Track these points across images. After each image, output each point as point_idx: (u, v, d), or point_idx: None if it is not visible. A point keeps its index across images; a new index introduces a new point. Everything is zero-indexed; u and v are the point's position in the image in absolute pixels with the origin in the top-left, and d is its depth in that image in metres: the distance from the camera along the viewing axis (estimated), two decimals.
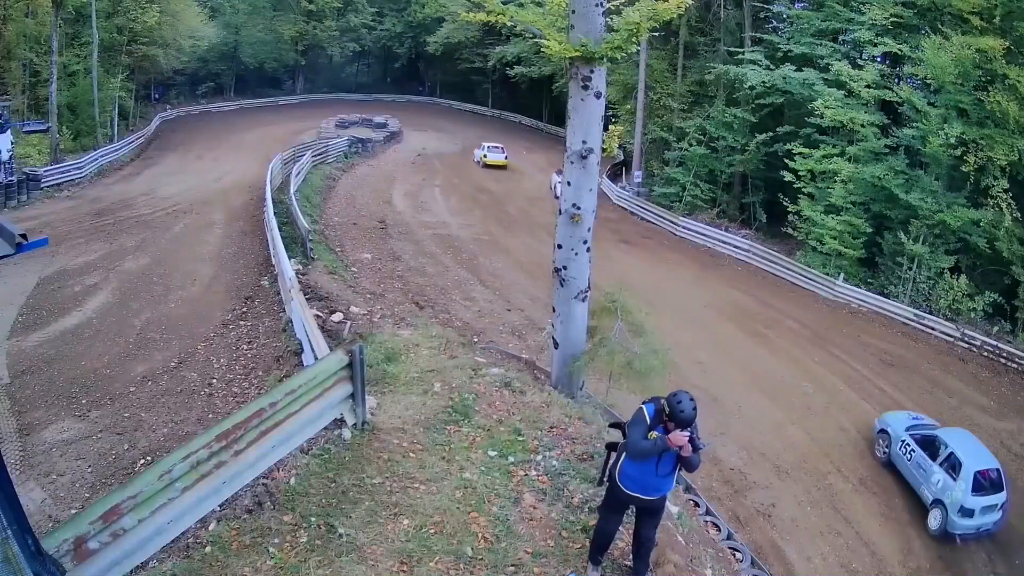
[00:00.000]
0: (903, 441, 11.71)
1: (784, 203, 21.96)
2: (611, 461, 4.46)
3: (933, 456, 11.14)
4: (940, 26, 18.39)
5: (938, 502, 10.72)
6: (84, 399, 9.46)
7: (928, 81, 19.12)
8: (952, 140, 17.50)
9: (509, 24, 8.05)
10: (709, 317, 16.93)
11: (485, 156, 31.84)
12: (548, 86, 42.49)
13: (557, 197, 26.31)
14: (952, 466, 10.79)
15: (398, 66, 57.45)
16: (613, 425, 4.86)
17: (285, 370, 9.58)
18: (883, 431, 12.27)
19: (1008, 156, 16.97)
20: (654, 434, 4.09)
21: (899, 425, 12.04)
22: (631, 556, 4.74)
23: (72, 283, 13.85)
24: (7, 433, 8.47)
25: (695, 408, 4.00)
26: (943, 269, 18.57)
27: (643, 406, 4.22)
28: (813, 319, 18.02)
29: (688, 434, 3.98)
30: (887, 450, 12.05)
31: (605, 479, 4.58)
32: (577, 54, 7.22)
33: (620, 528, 4.81)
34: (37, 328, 11.62)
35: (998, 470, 10.92)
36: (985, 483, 10.61)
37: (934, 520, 10.75)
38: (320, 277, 13.54)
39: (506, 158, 31.82)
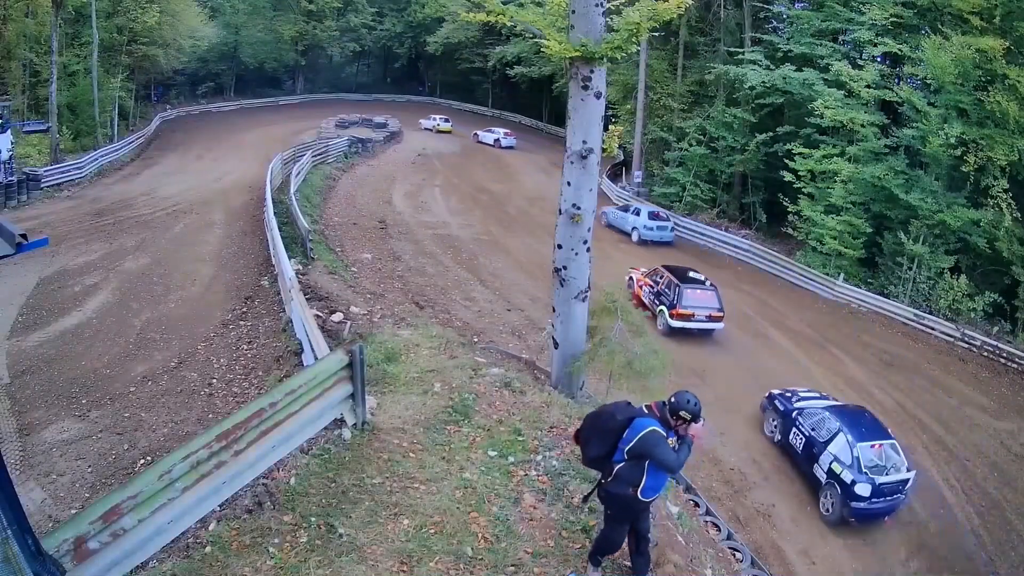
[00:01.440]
0: (613, 214, 23.76)
1: (784, 203, 21.97)
2: (612, 488, 4.33)
3: (626, 210, 23.46)
4: (940, 26, 18.41)
5: (633, 229, 22.81)
6: (84, 399, 9.45)
7: (928, 81, 19.14)
8: (952, 140, 17.51)
9: (509, 24, 8.05)
10: None
11: (438, 125, 40.53)
12: (548, 86, 42.51)
13: (480, 142, 34.04)
14: (636, 212, 22.98)
15: (398, 66, 57.49)
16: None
17: (285, 370, 9.56)
18: (609, 225, 23.42)
19: (1008, 156, 16.99)
20: (671, 441, 4.20)
21: (611, 209, 24.09)
22: (630, 555, 4.73)
23: (72, 283, 13.84)
24: (7, 433, 8.46)
25: (697, 397, 4.23)
26: (943, 269, 18.58)
27: (654, 427, 4.16)
28: (813, 319, 18.02)
29: (707, 426, 4.29)
30: (607, 220, 23.39)
31: (589, 501, 4.79)
32: (577, 54, 7.23)
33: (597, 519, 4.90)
34: (37, 328, 11.61)
35: (666, 214, 23.53)
36: (655, 218, 22.67)
37: (635, 235, 22.64)
38: (320, 277, 13.54)
39: (451, 125, 40.68)
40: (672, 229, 22.86)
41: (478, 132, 38.84)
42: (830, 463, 10.07)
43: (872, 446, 10.00)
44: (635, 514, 4.44)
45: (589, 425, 4.47)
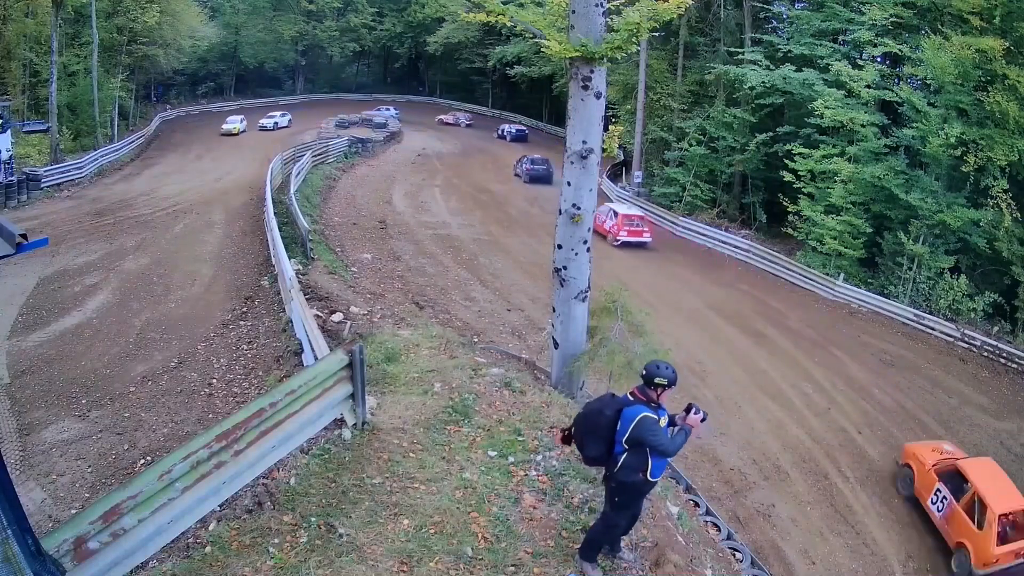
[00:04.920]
0: (374, 112, 40.92)
1: (784, 203, 21.97)
2: (621, 477, 4.35)
3: (378, 111, 41.85)
4: (940, 26, 18.42)
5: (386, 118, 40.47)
6: (84, 399, 9.45)
7: (928, 81, 19.13)
8: (952, 140, 17.50)
9: (509, 24, 8.04)
10: (709, 317, 16.92)
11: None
12: (548, 86, 42.56)
13: (263, 128, 34.83)
14: (386, 109, 44.28)
15: (398, 66, 57.53)
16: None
17: (285, 370, 9.57)
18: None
19: (1008, 156, 16.98)
20: (663, 420, 4.27)
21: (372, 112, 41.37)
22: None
23: (72, 283, 13.84)
24: (7, 433, 8.46)
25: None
26: (943, 269, 18.58)
27: (644, 412, 4.19)
28: (813, 319, 18.02)
29: (701, 415, 4.25)
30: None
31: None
32: (577, 54, 7.22)
33: (597, 517, 4.95)
34: (37, 328, 11.61)
35: (395, 110, 43.76)
36: (390, 108, 45.18)
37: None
38: (320, 277, 13.54)
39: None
40: (398, 111, 42.96)
41: (262, 120, 37.53)
42: None
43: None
44: (643, 496, 4.56)
45: (581, 427, 4.47)
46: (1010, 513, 9.65)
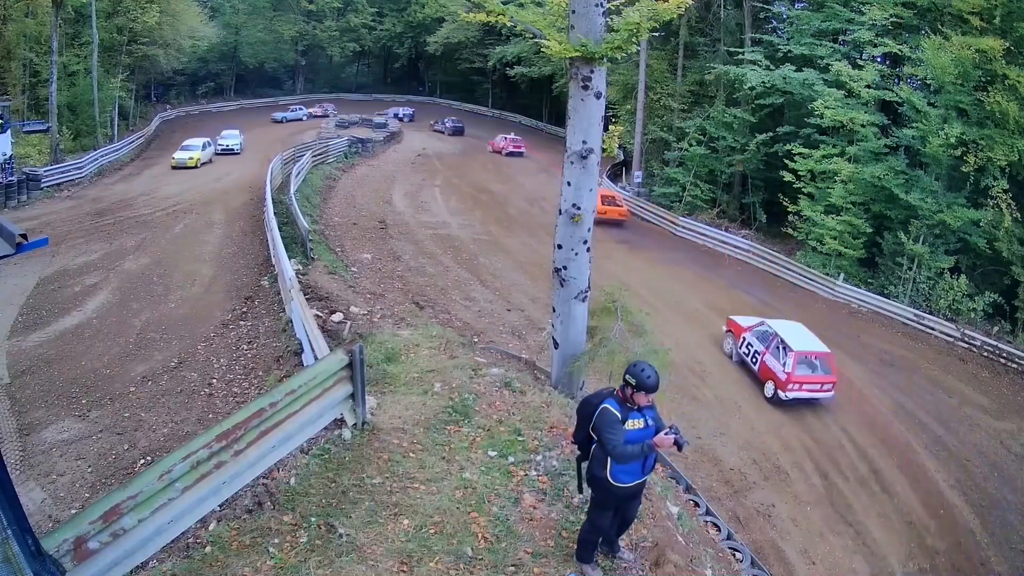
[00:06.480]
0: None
1: (784, 203, 21.98)
2: (591, 468, 4.34)
3: (295, 109, 43.68)
4: (940, 26, 18.44)
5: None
6: (84, 399, 9.45)
7: (928, 81, 19.15)
8: (952, 140, 17.52)
9: (509, 24, 8.03)
10: (709, 317, 16.92)
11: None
12: (548, 86, 42.58)
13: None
14: (297, 109, 43.36)
15: (398, 66, 57.55)
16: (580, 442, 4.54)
17: (285, 370, 9.57)
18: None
19: (1008, 156, 17.00)
20: (636, 422, 4.12)
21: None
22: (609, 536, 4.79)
23: (72, 283, 13.84)
24: (7, 433, 8.46)
25: (656, 373, 4.11)
26: (943, 269, 18.59)
27: (605, 404, 4.15)
28: (813, 319, 17.93)
29: (672, 436, 4.01)
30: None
31: (586, 487, 4.52)
32: (577, 54, 7.21)
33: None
34: (37, 328, 11.61)
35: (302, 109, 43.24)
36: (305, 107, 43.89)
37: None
38: (320, 277, 13.54)
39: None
40: (307, 110, 42.49)
41: (220, 141, 30.14)
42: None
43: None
44: (615, 499, 4.36)
45: (578, 412, 4.54)
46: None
